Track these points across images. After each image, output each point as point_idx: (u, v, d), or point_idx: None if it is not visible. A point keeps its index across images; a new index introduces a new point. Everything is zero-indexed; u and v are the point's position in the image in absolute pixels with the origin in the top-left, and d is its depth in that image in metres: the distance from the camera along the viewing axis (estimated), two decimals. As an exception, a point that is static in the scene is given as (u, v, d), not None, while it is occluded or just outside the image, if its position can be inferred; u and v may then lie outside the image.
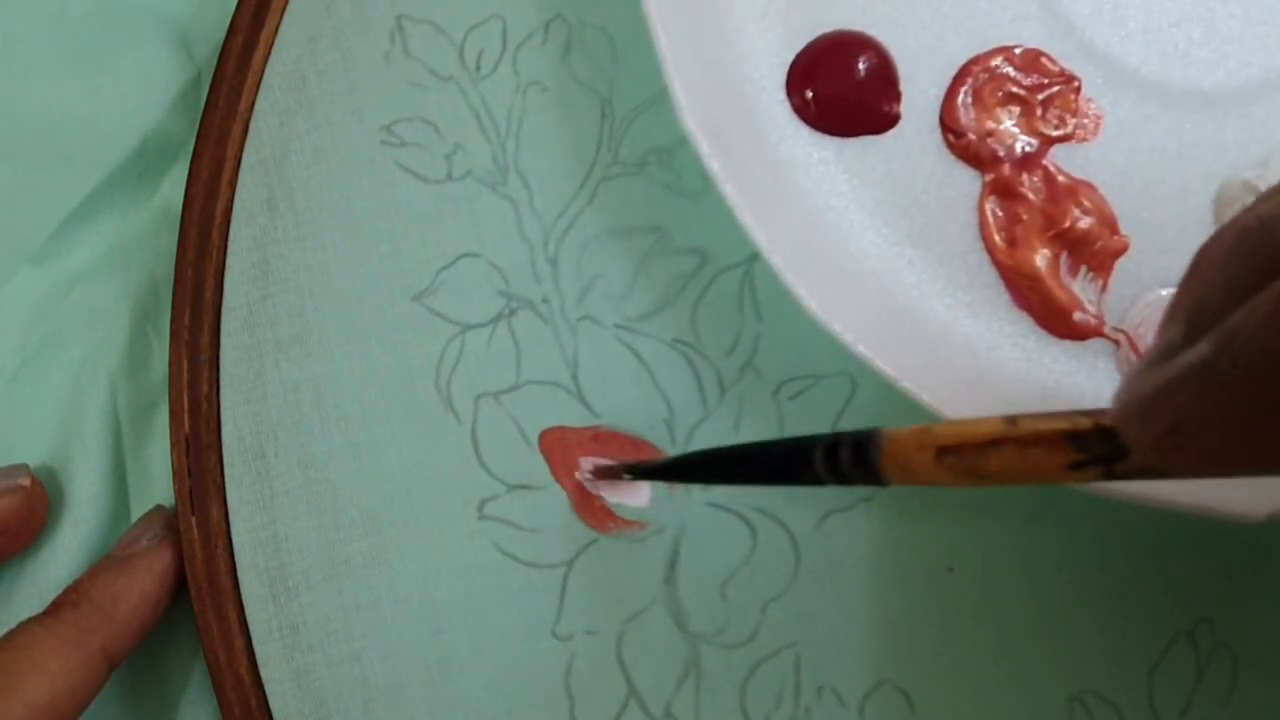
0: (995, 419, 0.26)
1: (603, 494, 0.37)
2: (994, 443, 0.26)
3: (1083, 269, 0.37)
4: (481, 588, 0.37)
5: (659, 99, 0.39)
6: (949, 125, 0.38)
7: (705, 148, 0.35)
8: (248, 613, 0.36)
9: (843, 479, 0.29)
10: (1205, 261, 0.25)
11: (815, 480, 0.30)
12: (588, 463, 0.37)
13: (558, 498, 0.37)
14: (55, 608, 0.34)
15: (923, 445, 0.27)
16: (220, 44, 0.39)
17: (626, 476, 0.36)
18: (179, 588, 0.36)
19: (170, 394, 0.37)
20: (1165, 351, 0.24)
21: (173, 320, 0.37)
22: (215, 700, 0.36)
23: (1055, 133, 0.38)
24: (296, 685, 0.36)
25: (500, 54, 0.39)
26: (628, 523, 0.37)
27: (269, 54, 0.39)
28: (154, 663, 0.37)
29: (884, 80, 0.38)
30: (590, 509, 0.37)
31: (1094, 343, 0.37)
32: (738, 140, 0.36)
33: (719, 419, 0.37)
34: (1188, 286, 0.25)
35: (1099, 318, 0.37)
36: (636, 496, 0.37)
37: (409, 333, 0.38)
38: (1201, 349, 0.23)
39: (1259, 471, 0.23)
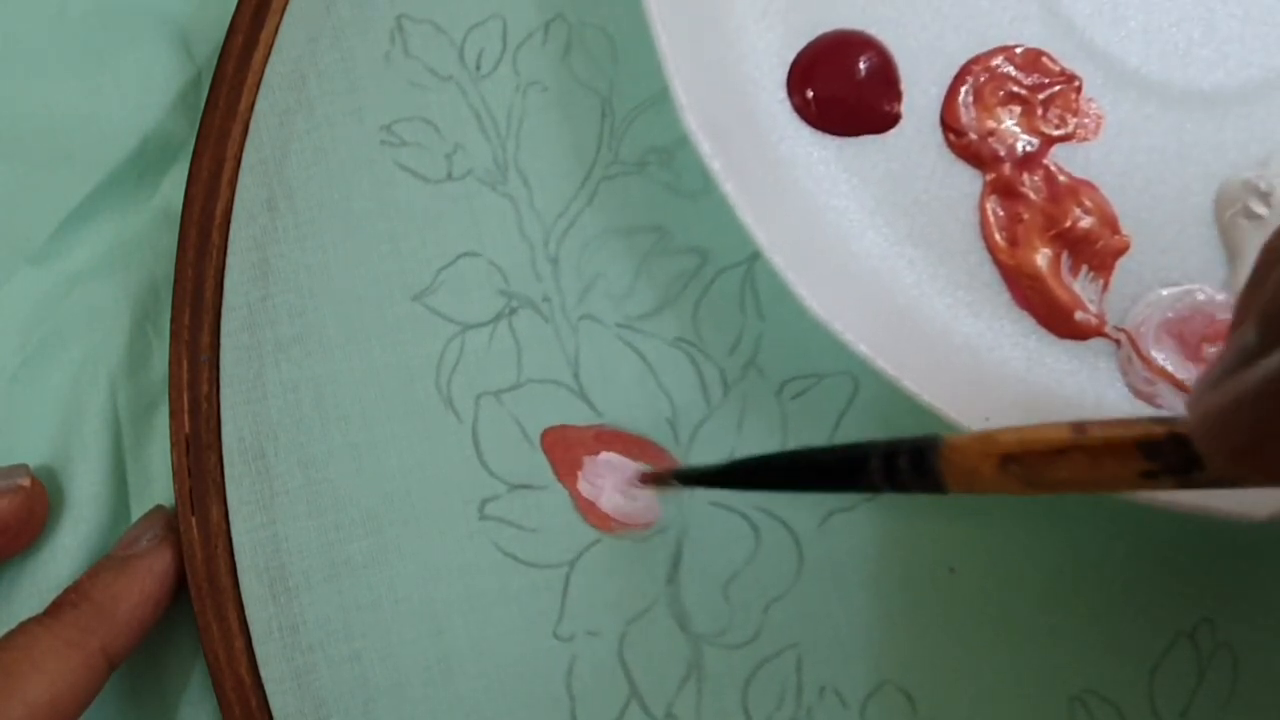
0: (1063, 425, 0.26)
1: (619, 505, 0.37)
2: (1062, 451, 0.26)
3: (1084, 268, 0.37)
4: (482, 588, 0.37)
5: (659, 98, 0.39)
6: (950, 125, 0.38)
7: (706, 147, 0.35)
8: (248, 613, 0.36)
9: (901, 486, 0.28)
10: (1275, 258, 0.24)
11: (871, 487, 0.29)
12: (627, 467, 0.37)
13: (559, 497, 0.37)
14: (55, 608, 0.34)
15: (986, 453, 0.27)
16: (220, 44, 0.39)
17: (675, 483, 0.36)
18: (179, 588, 0.36)
19: (170, 394, 0.37)
20: (1241, 356, 0.23)
21: (173, 320, 0.37)
22: (215, 700, 0.36)
23: (1056, 132, 0.38)
24: (296, 685, 0.36)
25: (500, 54, 0.39)
26: (630, 523, 0.37)
27: (269, 54, 0.39)
28: (154, 663, 0.37)
29: (884, 80, 0.38)
30: (592, 509, 0.37)
31: (1095, 342, 0.37)
32: (738, 140, 0.36)
33: (722, 418, 0.37)
34: (1257, 285, 0.24)
35: (1100, 317, 0.37)
36: (645, 495, 0.37)
37: (409, 332, 0.38)
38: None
39: None
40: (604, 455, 0.37)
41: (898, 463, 0.28)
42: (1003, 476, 0.26)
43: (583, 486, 0.37)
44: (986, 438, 0.27)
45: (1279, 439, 0.22)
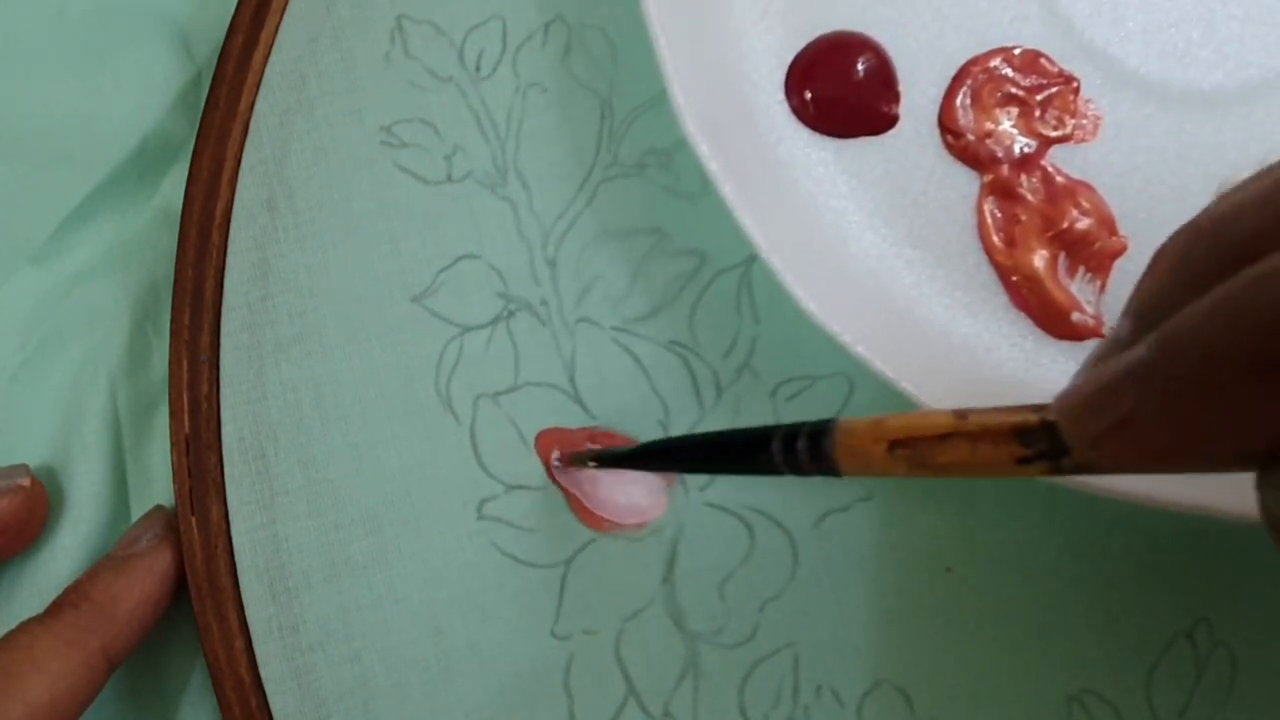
0: (946, 412, 0.26)
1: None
2: (944, 436, 0.26)
3: (1081, 270, 0.37)
4: (481, 587, 0.37)
5: (658, 100, 0.39)
6: (948, 126, 0.38)
7: (704, 149, 0.35)
8: (248, 613, 0.36)
9: (799, 469, 0.29)
10: (1161, 259, 0.25)
11: (773, 469, 0.30)
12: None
13: (556, 498, 0.37)
14: (55, 608, 0.34)
15: (876, 437, 0.27)
16: (220, 44, 0.39)
17: (591, 464, 0.36)
18: (179, 588, 0.36)
19: (170, 394, 0.37)
20: (1110, 348, 0.24)
21: (173, 320, 0.37)
22: (215, 700, 0.36)
23: (1054, 133, 0.38)
24: (296, 685, 0.36)
25: (500, 55, 0.39)
26: (623, 523, 0.37)
27: (269, 54, 0.39)
28: (154, 663, 0.37)
29: (883, 81, 0.38)
30: (586, 509, 0.37)
31: (1092, 343, 0.37)
32: (737, 141, 0.36)
33: (715, 420, 0.37)
34: (1141, 284, 0.25)
35: (1097, 318, 0.37)
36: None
37: (409, 333, 0.38)
38: (1140, 349, 0.23)
39: (1196, 470, 0.23)
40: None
41: (796, 445, 0.29)
42: (891, 460, 0.27)
43: (577, 487, 0.37)
44: (878, 423, 0.28)
45: (1133, 426, 0.23)
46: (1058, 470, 0.25)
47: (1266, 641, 0.37)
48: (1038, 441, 0.25)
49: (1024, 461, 0.25)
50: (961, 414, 0.26)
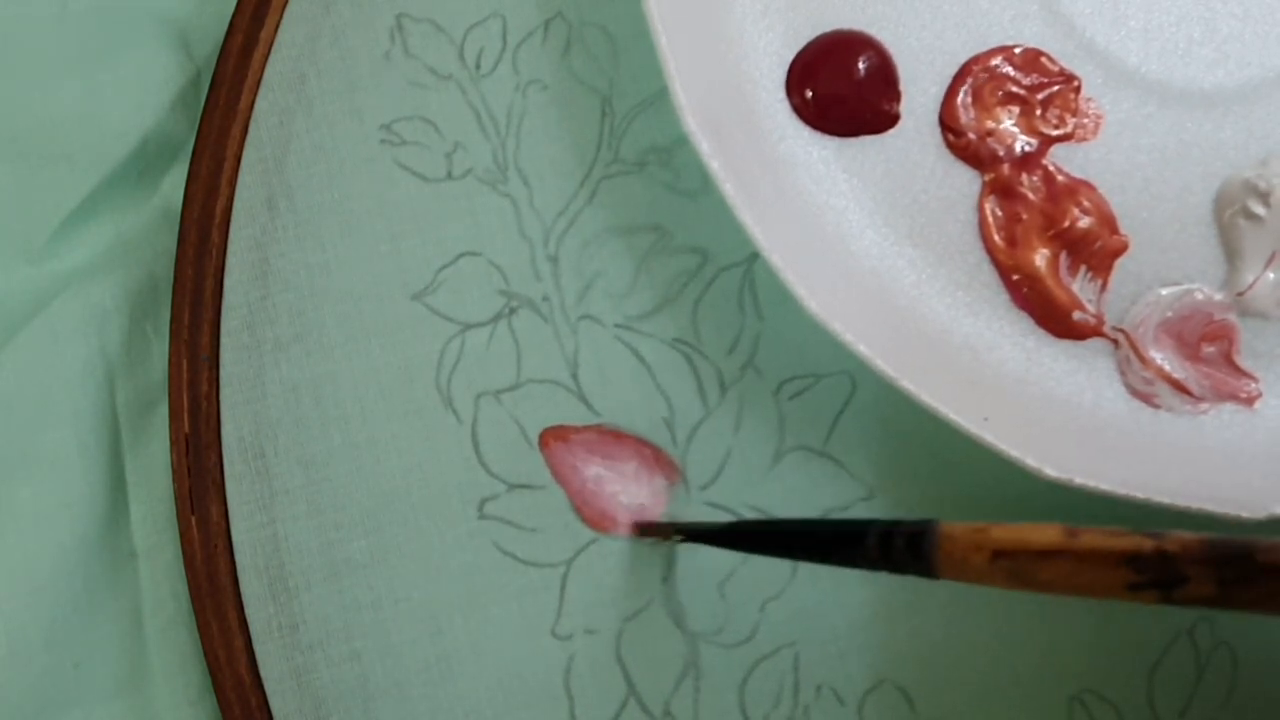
0: (1056, 528, 0.26)
1: (611, 495, 0.37)
2: (1051, 553, 0.26)
3: (1082, 268, 0.37)
4: (481, 587, 0.37)
5: (659, 98, 0.39)
6: (949, 125, 0.38)
7: (705, 147, 0.35)
8: (247, 612, 0.36)
9: (895, 567, 0.29)
10: None
11: (867, 564, 0.30)
12: (600, 459, 0.37)
13: (557, 497, 0.37)
14: None
15: (979, 546, 0.27)
16: (220, 44, 0.39)
17: (677, 538, 0.36)
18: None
19: (170, 393, 0.37)
20: None
21: (173, 320, 0.37)
22: (215, 700, 0.36)
23: (1055, 132, 0.38)
24: (296, 685, 0.36)
25: (500, 53, 0.39)
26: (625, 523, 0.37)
27: (269, 54, 0.39)
28: (155, 662, 0.37)
29: (884, 79, 0.38)
30: (589, 509, 0.37)
31: (1093, 342, 0.37)
32: (737, 139, 0.36)
33: (719, 418, 0.37)
34: None
35: (1098, 317, 0.37)
36: (644, 499, 0.37)
37: (409, 332, 0.38)
38: None
39: None
40: (599, 458, 0.37)
41: (894, 543, 0.29)
42: (993, 570, 0.27)
43: (580, 486, 0.37)
44: (981, 531, 0.28)
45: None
46: (1169, 600, 0.25)
47: (1267, 641, 0.37)
48: (1150, 569, 0.25)
49: (1134, 588, 0.25)
50: (1071, 532, 0.26)
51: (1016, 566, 0.27)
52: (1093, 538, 0.26)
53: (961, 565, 0.28)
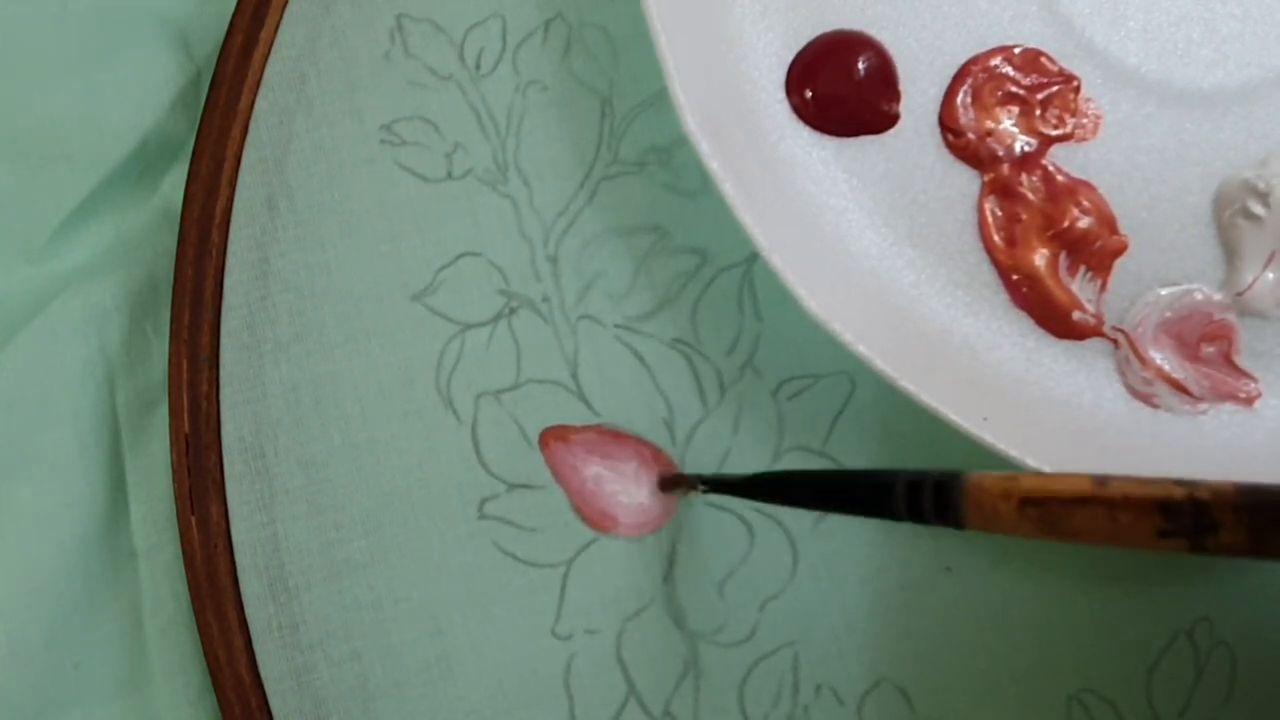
0: (1086, 477, 0.26)
1: (611, 495, 0.37)
2: (1082, 500, 0.26)
3: (1082, 268, 0.37)
4: (481, 587, 0.37)
5: (659, 98, 0.39)
6: (948, 125, 0.38)
7: (705, 147, 0.35)
8: (247, 612, 0.36)
9: (920, 518, 0.29)
10: None
11: (893, 515, 0.29)
12: (600, 458, 0.37)
13: (557, 497, 0.37)
14: None
15: (1007, 494, 0.27)
16: (220, 44, 0.39)
17: (701, 488, 0.36)
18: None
19: (170, 393, 0.37)
20: None
21: (173, 320, 0.37)
22: (215, 700, 0.36)
23: (1054, 132, 0.38)
24: (296, 684, 0.36)
25: (500, 53, 0.39)
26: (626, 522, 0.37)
27: (269, 54, 0.39)
28: (155, 662, 0.37)
29: (883, 80, 0.38)
30: (589, 509, 0.37)
31: (1093, 342, 0.37)
32: (737, 140, 0.36)
33: (718, 418, 0.37)
34: None
35: (1098, 317, 0.37)
36: (645, 499, 0.37)
37: (409, 332, 0.38)
38: None
39: None
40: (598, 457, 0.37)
41: (921, 493, 0.29)
42: (1020, 518, 0.27)
43: (580, 486, 0.37)
44: (1010, 479, 0.27)
45: None
46: (1199, 548, 0.25)
47: (1266, 641, 0.37)
48: (1182, 516, 0.25)
49: (1164, 535, 0.25)
50: (1102, 480, 0.26)
51: (1046, 514, 0.26)
52: (1123, 485, 0.26)
53: (990, 514, 0.27)
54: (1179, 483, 0.25)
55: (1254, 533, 0.24)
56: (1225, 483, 0.25)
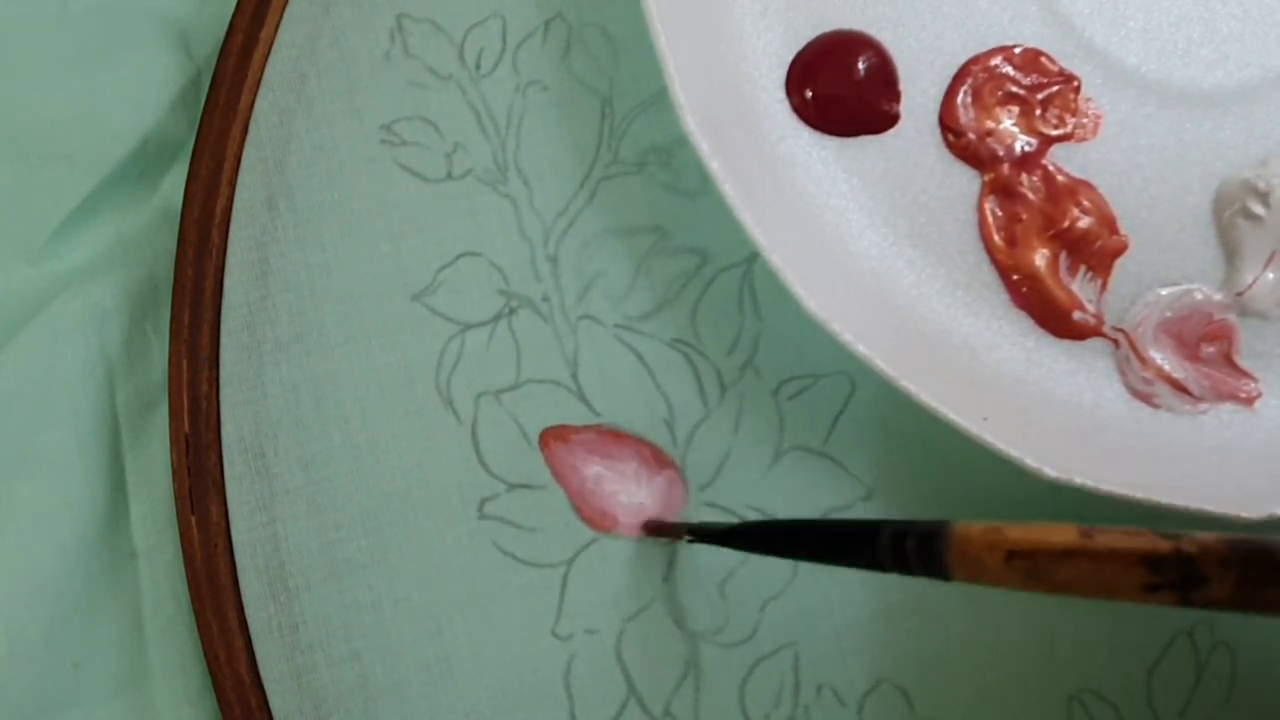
0: (1071, 528, 0.26)
1: (612, 495, 0.37)
2: (1067, 553, 0.26)
3: (1082, 268, 0.37)
4: (481, 587, 0.37)
5: (659, 98, 0.39)
6: (948, 125, 0.38)
7: (705, 147, 0.35)
8: (247, 612, 0.36)
9: (906, 568, 0.29)
10: None
11: (878, 566, 0.29)
12: (600, 458, 0.37)
13: (558, 497, 0.37)
14: None
15: (993, 546, 0.27)
16: (220, 44, 0.39)
17: (687, 539, 0.36)
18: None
19: (170, 393, 0.37)
20: None
21: (173, 320, 0.37)
22: (215, 700, 0.36)
23: (1054, 132, 0.38)
24: (296, 684, 0.36)
25: (500, 53, 0.39)
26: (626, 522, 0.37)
27: (269, 54, 0.39)
28: (155, 662, 0.37)
29: (883, 80, 0.38)
30: (589, 509, 0.37)
31: (1093, 342, 0.37)
32: (737, 140, 0.36)
33: (719, 418, 0.37)
34: None
35: (1098, 317, 0.37)
36: (645, 499, 0.37)
37: (409, 332, 0.38)
38: None
39: None
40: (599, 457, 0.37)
41: (906, 544, 0.28)
42: (1007, 570, 0.27)
43: (580, 486, 0.37)
44: (996, 531, 0.27)
45: None
46: (1187, 602, 0.25)
47: (1267, 641, 0.37)
48: (1168, 570, 0.25)
49: (1151, 589, 0.25)
50: (1087, 532, 0.26)
51: (1032, 567, 0.26)
52: (1109, 538, 0.26)
53: (976, 566, 0.27)
54: (1165, 535, 0.25)
55: (1241, 586, 0.24)
56: (1211, 535, 0.25)
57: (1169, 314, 0.37)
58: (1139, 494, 0.33)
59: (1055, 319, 0.37)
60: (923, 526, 0.28)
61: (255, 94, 0.39)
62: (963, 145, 0.38)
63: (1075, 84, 0.38)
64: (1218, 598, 0.25)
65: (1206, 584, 0.25)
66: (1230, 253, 0.37)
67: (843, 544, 0.31)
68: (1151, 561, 0.25)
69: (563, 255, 0.38)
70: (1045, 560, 0.26)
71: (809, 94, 0.38)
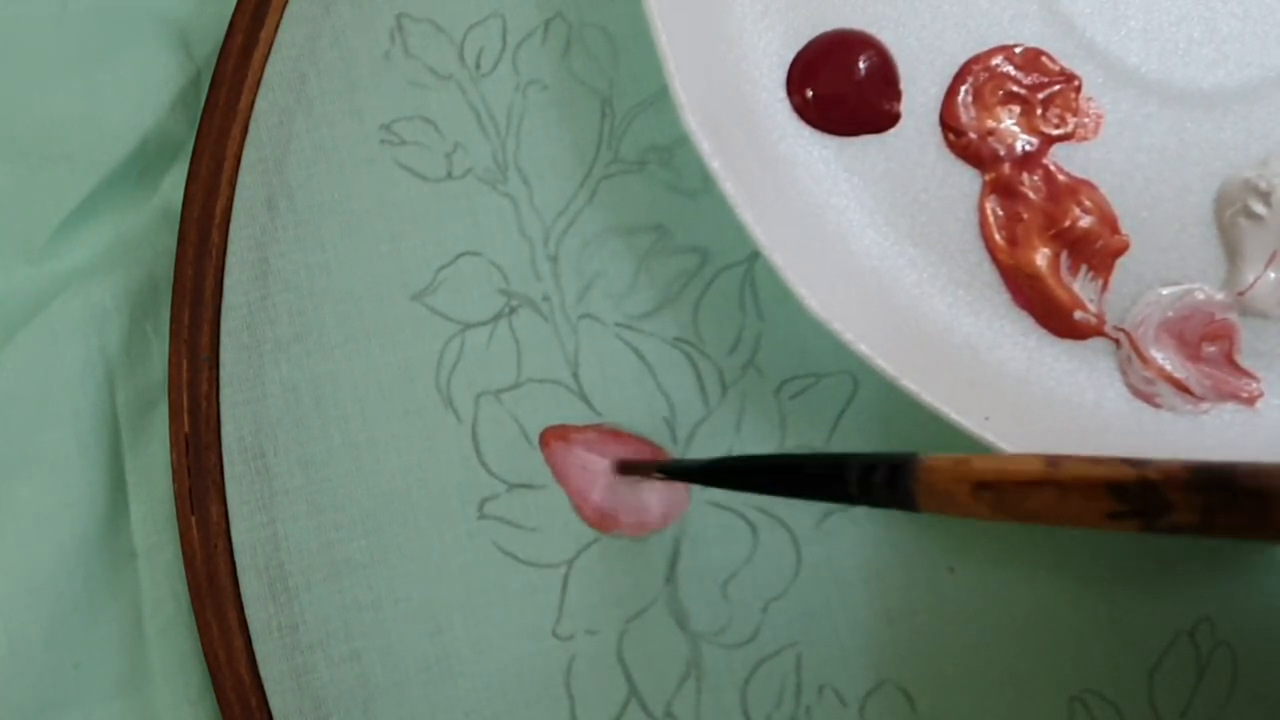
0: (1038, 458, 0.26)
1: (613, 495, 0.37)
2: (1033, 483, 0.26)
3: (1083, 268, 0.37)
4: (481, 587, 0.37)
5: (659, 97, 0.39)
6: (949, 124, 0.38)
7: (705, 146, 0.35)
8: (247, 612, 0.36)
9: (874, 500, 0.29)
10: None
11: (847, 498, 0.29)
12: (600, 457, 0.37)
13: (558, 497, 0.37)
14: None
15: (960, 477, 0.27)
16: (220, 44, 0.39)
17: (658, 475, 0.36)
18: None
19: (170, 393, 0.37)
20: None
21: (173, 320, 0.37)
22: (215, 700, 0.36)
23: (1055, 132, 0.38)
24: (296, 685, 0.36)
25: (500, 52, 0.39)
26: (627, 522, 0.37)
27: (269, 53, 0.39)
28: (155, 662, 0.37)
29: (884, 79, 0.38)
30: (589, 508, 0.37)
31: (1094, 342, 0.37)
32: (738, 139, 0.36)
33: (720, 418, 0.37)
34: None
35: (1099, 317, 0.37)
36: (648, 498, 0.37)
37: (409, 332, 0.38)
38: None
39: None
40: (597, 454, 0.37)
41: (874, 477, 0.29)
42: (975, 502, 0.27)
43: (581, 485, 0.37)
44: (963, 461, 0.27)
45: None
46: (1150, 528, 0.25)
47: (1268, 641, 0.37)
48: (1132, 498, 0.25)
49: (1115, 517, 0.25)
50: (1054, 461, 0.26)
51: (999, 498, 0.27)
52: (1075, 466, 0.26)
53: (944, 498, 0.27)
54: (1129, 462, 0.25)
55: (1205, 513, 0.24)
56: (1175, 462, 0.25)
57: (1170, 314, 0.37)
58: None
59: (1056, 318, 0.37)
60: (891, 459, 0.29)
61: (255, 94, 0.39)
62: (964, 145, 0.38)
63: (1076, 83, 0.38)
64: (1181, 524, 0.25)
65: (1171, 510, 0.25)
66: (1231, 252, 0.37)
67: (812, 478, 0.31)
68: (1115, 489, 0.25)
69: (563, 254, 0.38)
70: (1012, 490, 0.26)
71: (810, 93, 0.38)
